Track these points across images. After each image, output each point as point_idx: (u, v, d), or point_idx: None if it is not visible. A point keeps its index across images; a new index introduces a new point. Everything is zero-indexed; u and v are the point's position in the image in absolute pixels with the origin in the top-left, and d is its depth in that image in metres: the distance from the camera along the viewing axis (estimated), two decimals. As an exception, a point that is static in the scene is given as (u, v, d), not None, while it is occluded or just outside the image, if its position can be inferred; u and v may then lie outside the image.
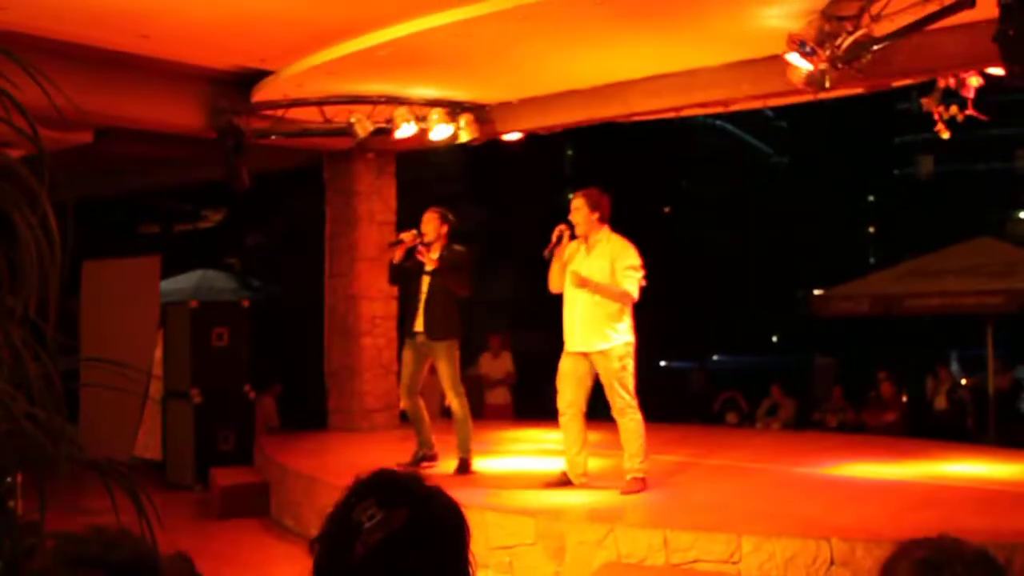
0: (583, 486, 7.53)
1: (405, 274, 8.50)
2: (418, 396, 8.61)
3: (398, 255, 8.38)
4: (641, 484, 7.32)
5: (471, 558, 1.69)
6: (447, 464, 8.48)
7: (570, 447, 7.54)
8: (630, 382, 7.32)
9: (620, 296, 7.30)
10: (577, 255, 7.49)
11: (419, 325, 8.38)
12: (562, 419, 7.53)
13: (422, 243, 8.32)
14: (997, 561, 1.84)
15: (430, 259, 8.30)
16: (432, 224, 8.38)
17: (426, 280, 8.37)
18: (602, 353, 7.30)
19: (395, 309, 11.60)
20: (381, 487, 1.68)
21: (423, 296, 8.36)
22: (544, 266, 7.64)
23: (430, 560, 1.63)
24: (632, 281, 7.29)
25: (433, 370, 8.50)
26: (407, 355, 8.58)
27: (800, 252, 40.44)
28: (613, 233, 7.47)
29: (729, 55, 8.17)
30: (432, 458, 8.64)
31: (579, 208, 7.39)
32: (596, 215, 7.39)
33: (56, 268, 1.16)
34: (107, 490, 1.45)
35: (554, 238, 7.43)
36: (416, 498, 1.67)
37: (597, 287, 7.27)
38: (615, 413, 7.34)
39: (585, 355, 7.38)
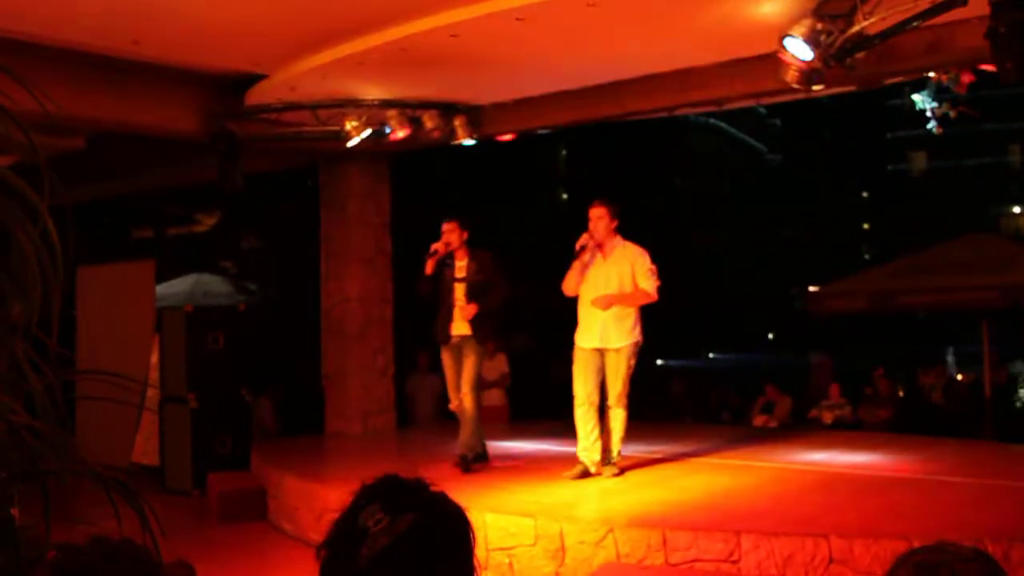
0: (594, 475, 7.77)
1: (436, 284, 8.63)
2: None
3: (430, 267, 8.48)
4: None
5: (476, 562, 1.70)
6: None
7: (588, 435, 7.81)
8: (628, 377, 7.83)
9: (642, 299, 7.82)
10: (595, 262, 7.85)
11: (458, 329, 8.53)
12: (580, 408, 7.83)
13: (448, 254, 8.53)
14: (993, 559, 1.87)
15: (460, 267, 8.55)
16: (455, 234, 8.55)
17: (460, 288, 8.53)
18: (618, 351, 7.78)
19: (390, 312, 11.61)
20: (386, 492, 1.69)
21: (459, 303, 8.52)
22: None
23: (435, 564, 1.64)
24: (652, 283, 7.78)
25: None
26: (446, 358, 8.73)
27: (795, 249, 40.54)
28: (626, 240, 7.90)
29: (722, 54, 8.18)
30: (484, 457, 8.76)
31: (601, 217, 7.78)
32: (615, 224, 7.83)
33: (59, 281, 1.17)
34: (109, 500, 1.45)
35: (578, 247, 7.78)
36: (421, 503, 1.68)
37: (622, 299, 7.75)
38: (613, 401, 7.83)
39: (601, 351, 7.79)
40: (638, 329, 7.86)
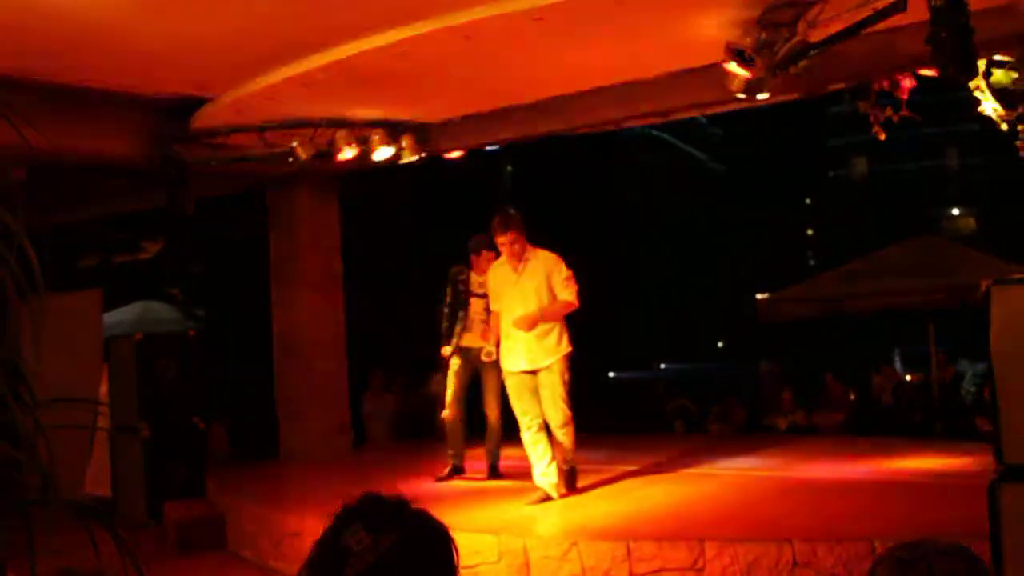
0: (559, 497, 7.60)
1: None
2: (462, 407, 8.86)
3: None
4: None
5: (459, 578, 1.70)
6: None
7: (541, 458, 7.59)
8: (566, 393, 7.56)
9: (565, 309, 7.58)
10: (508, 279, 7.70)
11: (476, 342, 8.55)
12: (528, 433, 7.60)
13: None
14: (971, 551, 1.91)
15: (480, 283, 8.57)
16: (488, 257, 8.51)
17: (479, 302, 8.60)
18: (549, 368, 7.53)
19: (343, 333, 11.52)
20: (368, 511, 1.69)
21: (478, 316, 8.60)
22: None
23: None
24: (572, 291, 7.54)
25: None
26: (458, 366, 8.78)
27: (741, 257, 40.90)
28: (535, 248, 7.70)
29: (667, 65, 8.24)
30: (463, 470, 8.90)
31: (516, 240, 7.58)
32: (524, 236, 7.63)
33: (40, 311, 1.14)
34: (87, 531, 1.42)
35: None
36: (403, 521, 1.67)
37: (545, 316, 7.48)
38: (556, 427, 7.56)
39: (532, 372, 7.56)
40: (566, 339, 7.60)
